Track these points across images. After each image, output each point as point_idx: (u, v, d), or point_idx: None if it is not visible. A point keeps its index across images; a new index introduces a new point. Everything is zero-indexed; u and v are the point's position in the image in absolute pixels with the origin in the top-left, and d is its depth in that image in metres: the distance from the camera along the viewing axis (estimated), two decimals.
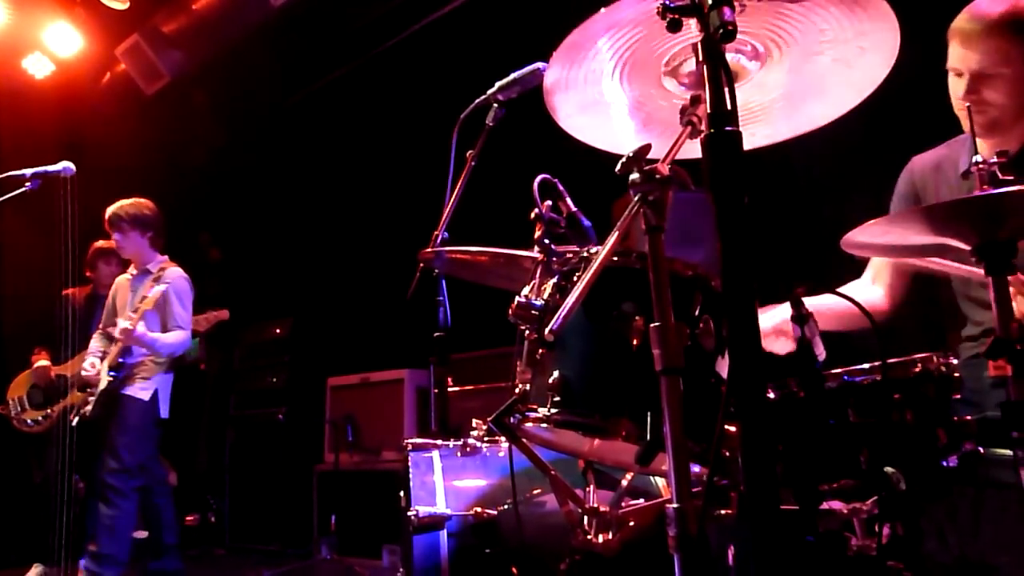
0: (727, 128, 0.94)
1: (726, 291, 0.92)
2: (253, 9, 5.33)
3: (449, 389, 4.71)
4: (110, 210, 4.30)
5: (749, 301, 0.91)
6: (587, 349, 1.46)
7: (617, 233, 1.07)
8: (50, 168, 3.28)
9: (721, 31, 0.93)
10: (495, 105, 2.57)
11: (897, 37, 1.29)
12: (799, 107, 1.45)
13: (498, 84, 2.56)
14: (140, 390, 4.16)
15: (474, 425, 2.03)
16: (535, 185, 1.61)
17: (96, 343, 4.40)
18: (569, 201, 1.67)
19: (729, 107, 0.95)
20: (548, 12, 4.38)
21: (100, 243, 4.83)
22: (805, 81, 1.39)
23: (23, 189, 3.16)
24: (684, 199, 1.22)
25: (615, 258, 1.50)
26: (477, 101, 2.60)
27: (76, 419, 3.97)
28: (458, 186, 2.60)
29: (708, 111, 0.95)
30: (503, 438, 1.87)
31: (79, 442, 4.08)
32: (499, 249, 2.10)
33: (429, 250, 2.26)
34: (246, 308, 6.34)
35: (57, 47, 5.87)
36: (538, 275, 1.67)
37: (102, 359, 4.17)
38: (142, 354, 4.19)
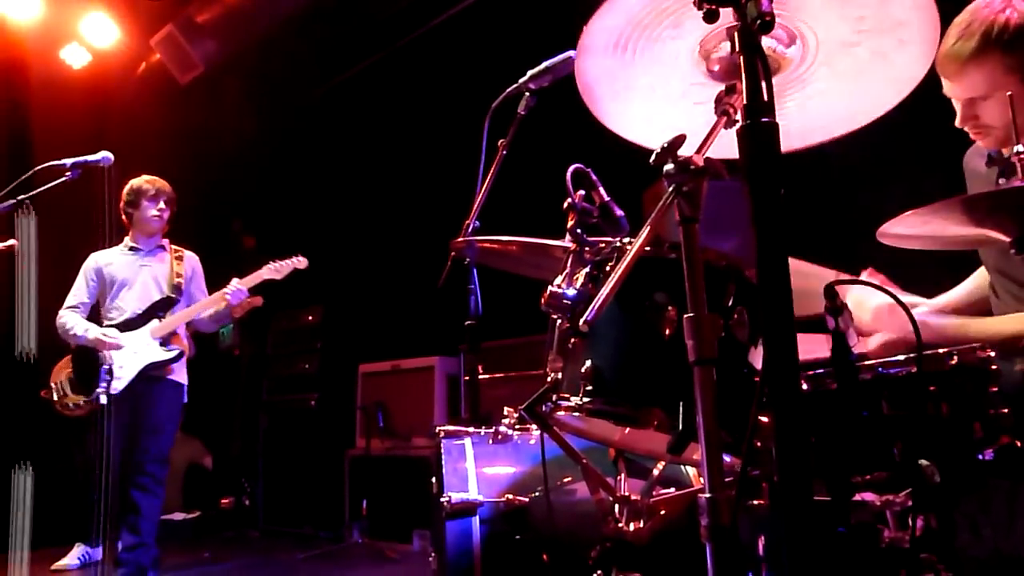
0: (764, 119, 0.93)
1: (761, 282, 0.92)
2: None
3: (480, 377, 4.76)
4: (157, 182, 4.27)
5: (784, 292, 0.91)
6: (620, 339, 1.47)
7: (651, 224, 1.07)
8: (90, 158, 3.34)
9: (759, 21, 0.93)
10: (527, 94, 2.57)
11: (937, 29, 1.28)
12: (834, 106, 1.43)
13: (530, 73, 2.56)
14: (182, 375, 4.16)
15: (505, 413, 2.04)
16: (568, 175, 1.61)
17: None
18: (602, 191, 1.67)
19: (766, 98, 0.94)
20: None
21: None
22: (841, 78, 1.37)
23: (64, 179, 3.23)
24: (716, 187, 1.22)
25: (648, 248, 1.51)
26: (509, 90, 2.61)
27: (103, 396, 3.90)
28: (490, 175, 2.61)
29: (744, 102, 0.95)
30: (534, 426, 1.89)
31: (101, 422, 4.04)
32: (531, 239, 2.11)
33: (460, 239, 2.27)
34: (279, 295, 6.43)
35: (94, 37, 5.98)
36: (570, 265, 1.67)
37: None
38: (186, 336, 4.21)
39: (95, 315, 4.22)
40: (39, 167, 3.26)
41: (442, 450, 1.88)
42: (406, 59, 5.73)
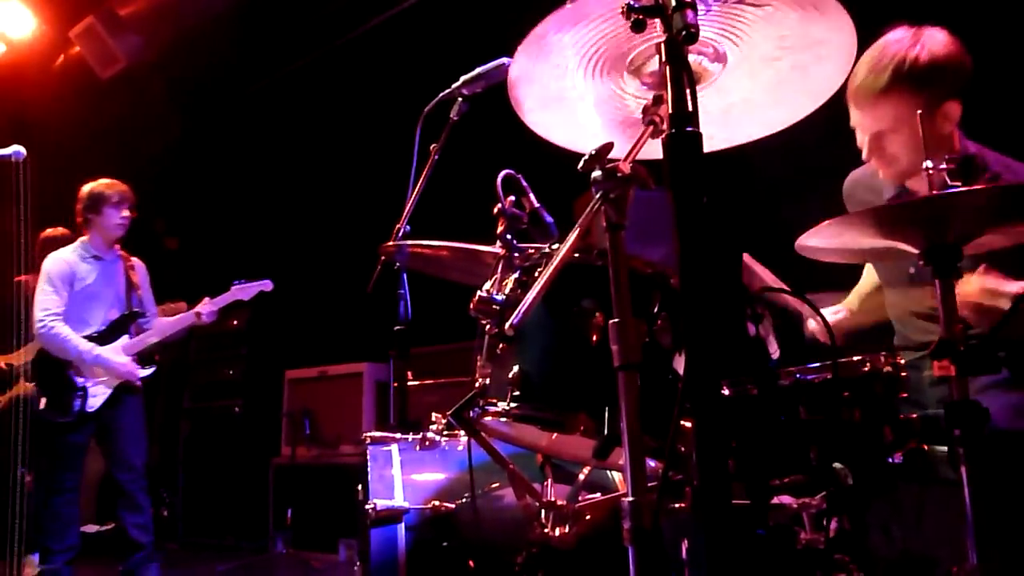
0: (688, 129, 0.95)
1: (684, 289, 0.94)
2: None
3: (409, 383, 4.71)
4: (119, 186, 4.08)
5: (706, 299, 0.93)
6: (547, 344, 1.48)
7: (578, 230, 1.08)
8: (0, 151, 3.19)
9: (684, 33, 0.95)
10: (459, 99, 2.57)
11: (854, 45, 1.33)
12: (757, 112, 1.48)
13: (463, 78, 2.56)
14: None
15: (433, 419, 2.03)
16: (498, 180, 1.61)
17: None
18: (532, 197, 1.68)
19: (690, 108, 0.96)
20: (514, 6, 4.39)
21: (48, 232, 4.69)
22: (764, 86, 1.42)
23: None
24: (645, 198, 1.24)
25: (576, 255, 1.52)
26: (441, 95, 2.60)
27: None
28: (420, 180, 2.60)
29: (669, 111, 0.97)
30: (462, 432, 1.88)
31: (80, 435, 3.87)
32: (461, 244, 2.10)
33: (390, 243, 2.25)
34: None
35: (8, 27, 5.71)
36: (500, 270, 1.68)
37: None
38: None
39: None
40: None
41: (368, 457, 1.86)
42: (338, 61, 5.66)
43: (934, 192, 1.33)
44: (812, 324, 2.05)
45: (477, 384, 1.58)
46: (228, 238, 6.44)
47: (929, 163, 1.37)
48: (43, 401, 3.88)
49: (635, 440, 1.13)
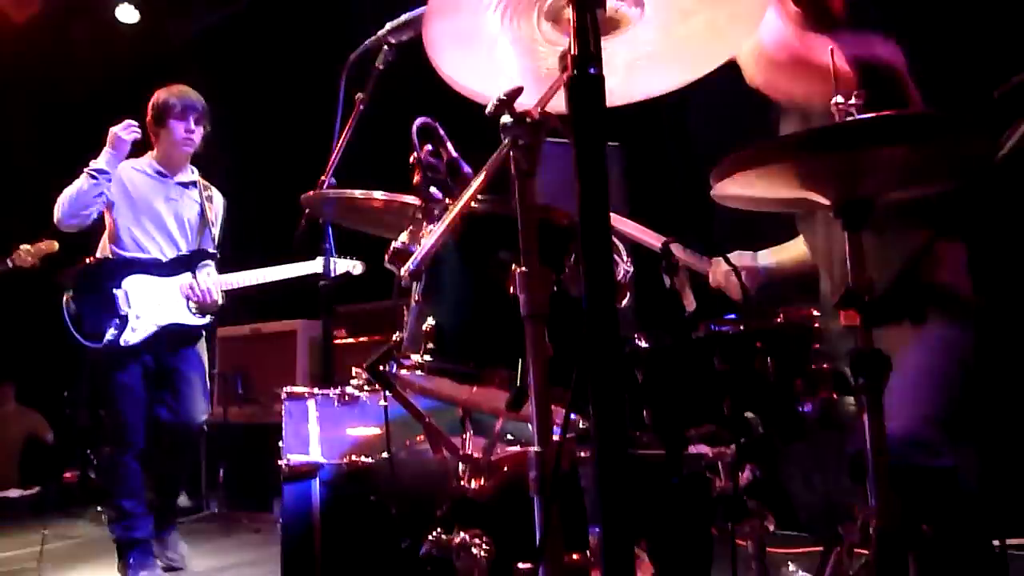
0: (591, 70, 0.93)
1: (584, 238, 0.92)
2: None
3: (341, 341, 4.66)
4: (186, 94, 3.51)
5: (605, 248, 0.91)
6: (462, 296, 1.45)
7: (483, 175, 1.05)
8: None
9: None
10: (385, 48, 2.49)
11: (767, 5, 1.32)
12: (660, 67, 1.45)
13: (389, 25, 2.47)
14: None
15: (354, 374, 2.00)
16: (414, 129, 1.57)
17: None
18: (450, 147, 1.64)
19: (593, 49, 0.94)
20: None
21: None
22: (673, 41, 1.39)
23: None
24: (562, 149, 1.22)
25: (494, 206, 1.50)
26: (367, 43, 2.51)
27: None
28: (346, 130, 2.52)
29: (571, 53, 0.94)
30: (377, 382, 1.86)
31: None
32: (386, 194, 2.05)
33: (312, 193, 2.19)
34: None
35: None
36: (416, 222, 1.64)
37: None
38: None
39: (95, 243, 3.48)
40: None
41: (284, 412, 1.82)
42: (262, 8, 5.45)
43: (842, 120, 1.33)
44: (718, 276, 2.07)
45: (395, 338, 1.55)
46: None
47: (839, 98, 1.38)
48: (72, 313, 3.33)
49: (542, 390, 1.12)
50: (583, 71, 0.92)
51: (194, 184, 3.60)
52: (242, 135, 5.55)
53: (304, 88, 4.13)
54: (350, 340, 4.78)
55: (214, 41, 5.77)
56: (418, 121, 1.59)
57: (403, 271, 1.04)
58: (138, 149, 3.55)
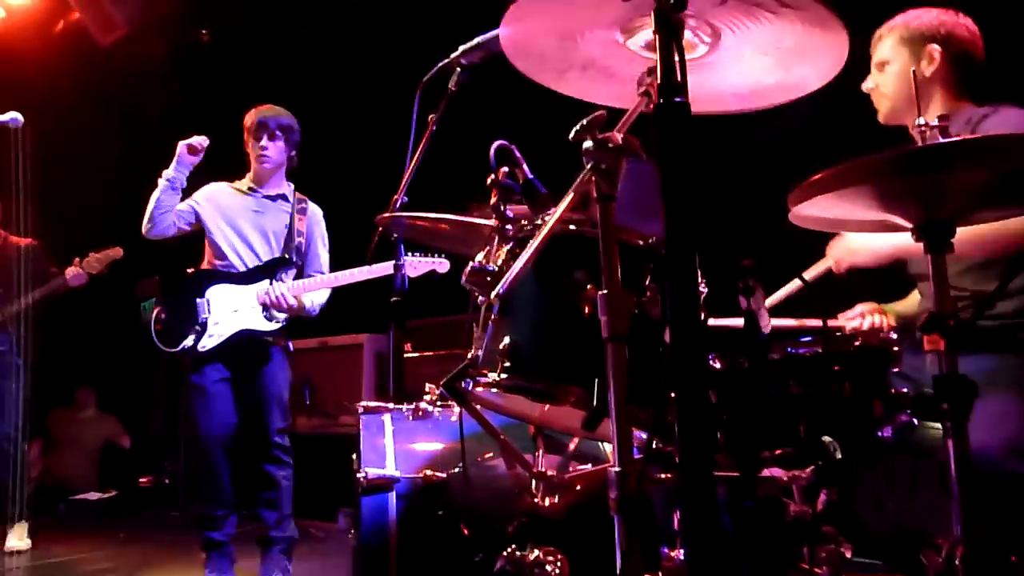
0: (677, 99, 0.94)
1: (669, 261, 0.93)
2: None
3: (408, 355, 4.73)
4: (260, 111, 3.60)
5: (691, 271, 0.92)
6: (538, 316, 1.48)
7: (567, 200, 1.08)
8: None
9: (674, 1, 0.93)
10: (458, 69, 2.54)
11: (843, 59, 1.34)
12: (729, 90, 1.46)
13: (462, 48, 2.53)
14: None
15: (427, 390, 2.04)
16: (492, 151, 1.60)
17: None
18: (526, 168, 1.67)
19: (680, 78, 0.95)
20: None
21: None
22: (742, 72, 1.40)
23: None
24: (641, 170, 1.23)
25: (571, 227, 1.52)
26: (440, 64, 2.57)
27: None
28: (419, 150, 2.58)
29: (658, 81, 0.96)
30: (455, 403, 1.89)
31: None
32: (457, 216, 2.10)
33: (386, 215, 2.25)
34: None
35: None
36: (493, 242, 1.68)
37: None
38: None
39: (196, 258, 3.64)
40: None
41: (361, 426, 1.87)
42: (337, 30, 5.60)
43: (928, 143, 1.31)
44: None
45: (470, 355, 1.58)
46: None
47: (921, 120, 1.36)
48: (155, 322, 3.47)
49: (621, 411, 1.13)
50: (669, 100, 0.94)
51: (284, 197, 3.68)
52: (317, 154, 5.70)
53: (378, 108, 4.23)
54: (414, 354, 4.85)
55: (291, 61, 5.94)
56: (495, 144, 1.62)
57: (493, 295, 1.06)
58: (241, 169, 3.74)
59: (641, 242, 1.39)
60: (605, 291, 1.12)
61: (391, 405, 1.97)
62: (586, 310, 1.44)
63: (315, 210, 3.76)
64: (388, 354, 4.91)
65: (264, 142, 3.58)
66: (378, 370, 5.05)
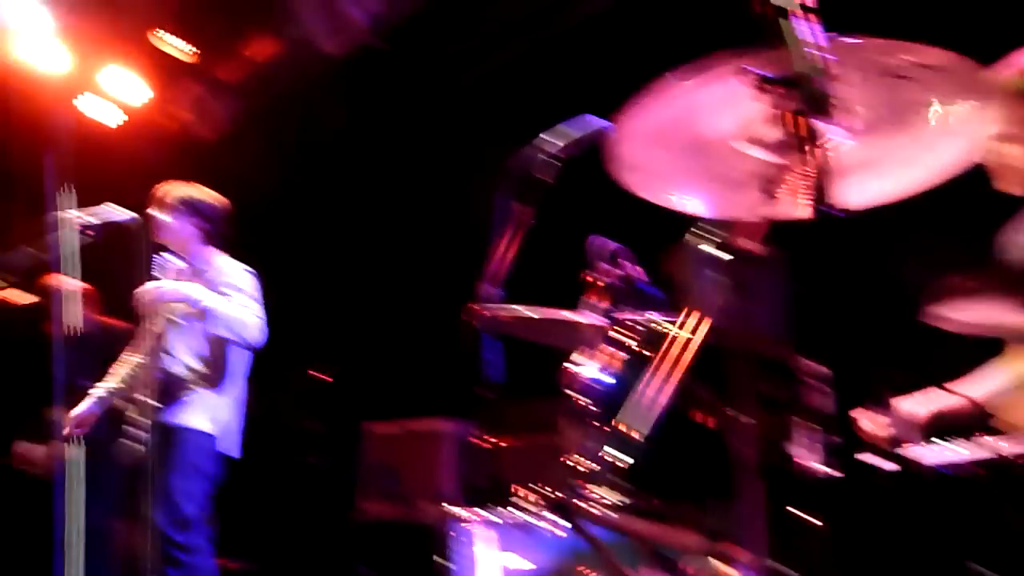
0: (824, 209, 0.86)
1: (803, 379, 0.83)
2: (310, 57, 5.45)
3: (490, 440, 4.62)
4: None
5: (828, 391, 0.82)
6: (655, 429, 1.37)
7: (704, 323, 0.99)
8: (116, 218, 3.30)
9: (821, 105, 0.85)
10: (546, 157, 2.52)
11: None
12: (862, 177, 1.36)
13: (548, 135, 2.51)
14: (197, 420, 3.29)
15: (520, 494, 1.93)
16: (592, 246, 1.54)
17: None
18: (629, 263, 1.60)
19: (825, 189, 0.87)
20: (597, 66, 4.38)
21: None
22: (876, 152, 1.30)
23: (88, 239, 3.19)
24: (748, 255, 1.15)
25: (690, 335, 1.43)
26: (527, 153, 2.56)
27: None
28: (505, 238, 2.55)
29: (813, 194, 0.87)
30: (552, 509, 1.78)
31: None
32: (552, 311, 2.03)
33: (477, 308, 2.20)
34: (290, 351, 6.33)
35: (126, 96, 6.07)
36: (595, 341, 1.59)
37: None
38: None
39: None
40: (68, 218, 3.20)
41: (451, 534, 1.77)
42: (424, 116, 5.76)
43: None
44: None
45: (571, 461, 1.49)
46: (317, 291, 6.58)
47: None
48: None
49: (756, 542, 1.01)
50: (821, 212, 0.85)
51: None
52: (407, 244, 5.81)
53: (463, 199, 4.27)
54: (495, 440, 4.73)
55: (379, 149, 6.11)
56: (594, 238, 1.56)
57: (638, 434, 0.98)
58: None
59: (770, 351, 1.28)
60: (741, 415, 1.01)
61: (481, 511, 1.87)
62: (703, 422, 1.33)
63: None
64: (468, 440, 4.83)
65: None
66: (460, 455, 4.95)
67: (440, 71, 5.52)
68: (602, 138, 1.57)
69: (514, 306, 2.07)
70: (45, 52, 5.38)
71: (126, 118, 6.15)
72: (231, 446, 3.35)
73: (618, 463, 1.33)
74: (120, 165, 6.15)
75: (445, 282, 3.76)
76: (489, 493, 2.52)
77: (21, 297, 3.53)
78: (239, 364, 3.43)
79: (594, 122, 2.36)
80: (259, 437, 6.55)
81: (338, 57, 5.30)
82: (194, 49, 5.54)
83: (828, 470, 1.12)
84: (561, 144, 2.48)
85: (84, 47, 5.65)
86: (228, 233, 3.73)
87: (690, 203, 1.50)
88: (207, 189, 3.76)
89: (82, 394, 3.58)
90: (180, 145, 6.35)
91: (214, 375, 3.31)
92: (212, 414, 3.26)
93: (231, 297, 3.33)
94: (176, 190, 3.69)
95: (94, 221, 3.21)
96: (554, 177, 2.44)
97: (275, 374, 6.22)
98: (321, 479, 5.84)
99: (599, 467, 1.38)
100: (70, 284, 3.35)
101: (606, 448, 1.38)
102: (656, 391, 1.01)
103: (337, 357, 6.13)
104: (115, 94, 6.01)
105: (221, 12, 5.27)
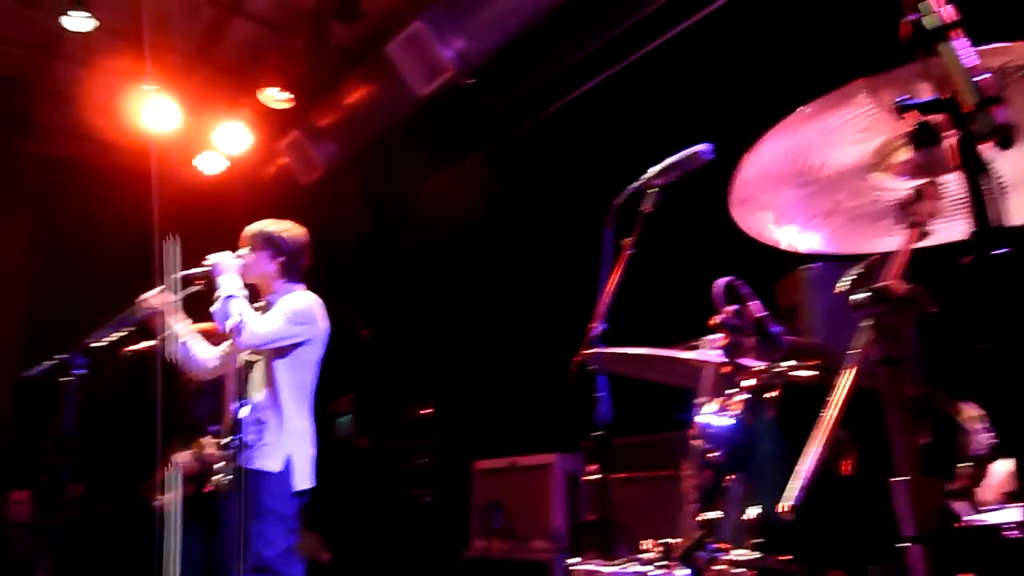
0: (996, 250, 0.75)
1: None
2: (400, 100, 5.54)
3: (601, 477, 4.51)
4: None
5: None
6: (787, 477, 1.27)
7: (854, 372, 0.89)
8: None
9: (997, 136, 0.75)
10: (653, 190, 2.44)
11: None
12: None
13: (656, 169, 2.43)
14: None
15: (643, 546, 1.83)
16: (720, 289, 1.45)
17: None
18: (755, 305, 1.50)
19: (995, 222, 0.77)
20: (691, 92, 4.26)
21: None
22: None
23: (195, 288, 3.29)
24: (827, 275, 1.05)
25: (817, 374, 1.32)
26: (632, 187, 2.49)
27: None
28: (614, 276, 2.48)
29: (973, 229, 0.77)
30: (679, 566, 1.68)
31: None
32: (668, 351, 1.95)
33: (589, 351, 2.13)
34: (396, 387, 6.42)
35: (228, 145, 6.34)
36: (721, 387, 1.50)
37: None
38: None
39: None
40: (179, 274, 3.31)
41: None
42: (518, 153, 5.76)
43: None
44: None
45: (701, 517, 1.40)
46: (419, 328, 6.64)
47: None
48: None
49: None
50: (985, 252, 0.75)
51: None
52: (512, 276, 5.78)
53: (573, 232, 4.21)
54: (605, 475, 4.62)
55: (477, 184, 6.12)
56: (721, 281, 1.47)
57: (787, 507, 0.89)
58: None
59: (942, 406, 1.16)
60: (905, 478, 0.91)
61: (606, 568, 1.78)
62: (844, 469, 1.22)
63: None
64: (578, 474, 4.72)
65: None
66: (569, 492, 4.86)
67: (539, 104, 5.51)
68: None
69: (630, 349, 2.00)
70: (155, 111, 5.70)
71: (228, 164, 6.43)
72: (304, 479, 3.27)
73: (757, 521, 1.23)
74: (223, 211, 6.43)
75: (554, 318, 3.71)
76: (599, 530, 2.43)
77: (143, 345, 3.65)
78: (303, 398, 3.42)
79: (701, 153, 2.27)
80: (370, 476, 6.67)
81: (432, 97, 5.36)
82: (291, 95, 5.70)
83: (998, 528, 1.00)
84: (663, 173, 2.40)
85: (191, 104, 5.95)
86: (307, 264, 3.66)
87: (804, 240, 1.40)
88: (284, 221, 3.70)
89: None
90: (276, 189, 6.57)
91: (280, 413, 3.31)
92: (282, 453, 3.23)
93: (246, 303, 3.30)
94: (252, 226, 3.68)
95: (199, 272, 3.30)
96: (653, 206, 2.36)
97: (384, 413, 6.33)
98: (433, 517, 5.86)
99: (736, 525, 1.29)
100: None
101: (745, 503, 1.29)
102: (805, 454, 0.91)
103: (445, 394, 6.17)
104: (217, 143, 6.31)
105: (317, 61, 5.43)
